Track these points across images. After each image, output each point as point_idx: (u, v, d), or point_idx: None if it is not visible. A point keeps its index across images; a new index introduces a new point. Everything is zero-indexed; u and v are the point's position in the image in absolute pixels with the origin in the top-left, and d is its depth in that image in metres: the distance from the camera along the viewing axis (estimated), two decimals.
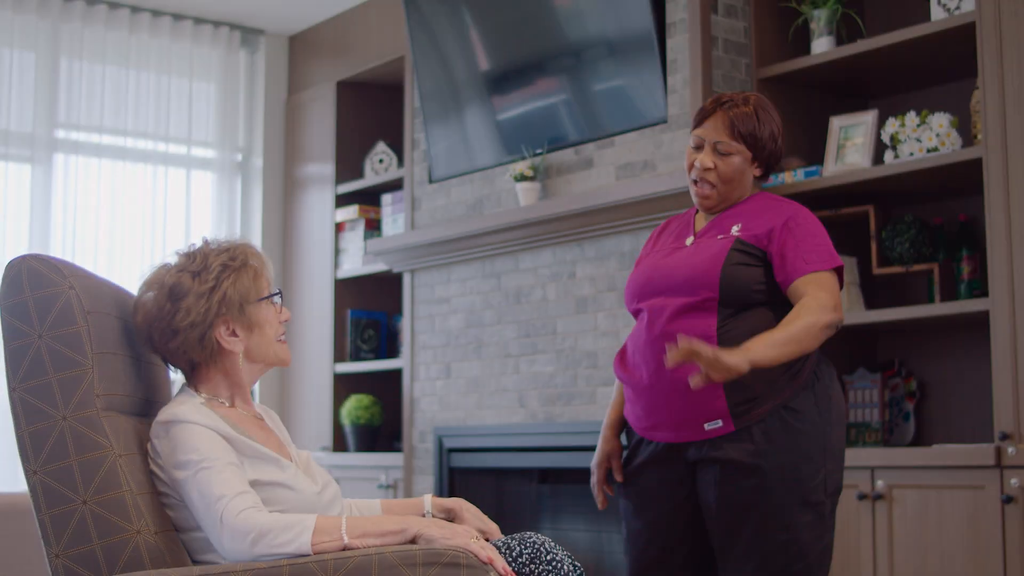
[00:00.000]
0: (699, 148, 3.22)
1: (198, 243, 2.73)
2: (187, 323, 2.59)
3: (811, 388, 3.11)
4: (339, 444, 6.90)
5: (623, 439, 3.37)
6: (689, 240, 3.25)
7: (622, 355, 3.27)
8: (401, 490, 6.23)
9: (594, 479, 3.38)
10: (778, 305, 3.12)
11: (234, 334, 2.64)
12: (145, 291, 2.65)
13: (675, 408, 3.09)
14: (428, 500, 2.89)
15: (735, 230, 3.16)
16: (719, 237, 3.18)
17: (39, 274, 2.46)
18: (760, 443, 3.04)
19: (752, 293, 3.11)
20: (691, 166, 3.23)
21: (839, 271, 3.14)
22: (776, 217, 3.15)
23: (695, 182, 3.23)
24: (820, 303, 3.01)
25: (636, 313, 3.26)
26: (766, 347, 2.91)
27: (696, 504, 3.17)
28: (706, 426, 3.06)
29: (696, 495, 3.16)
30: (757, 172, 3.24)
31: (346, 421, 6.76)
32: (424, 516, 2.85)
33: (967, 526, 4.16)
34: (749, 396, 3.03)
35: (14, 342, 2.44)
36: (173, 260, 2.69)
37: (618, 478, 3.31)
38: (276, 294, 2.74)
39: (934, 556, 4.25)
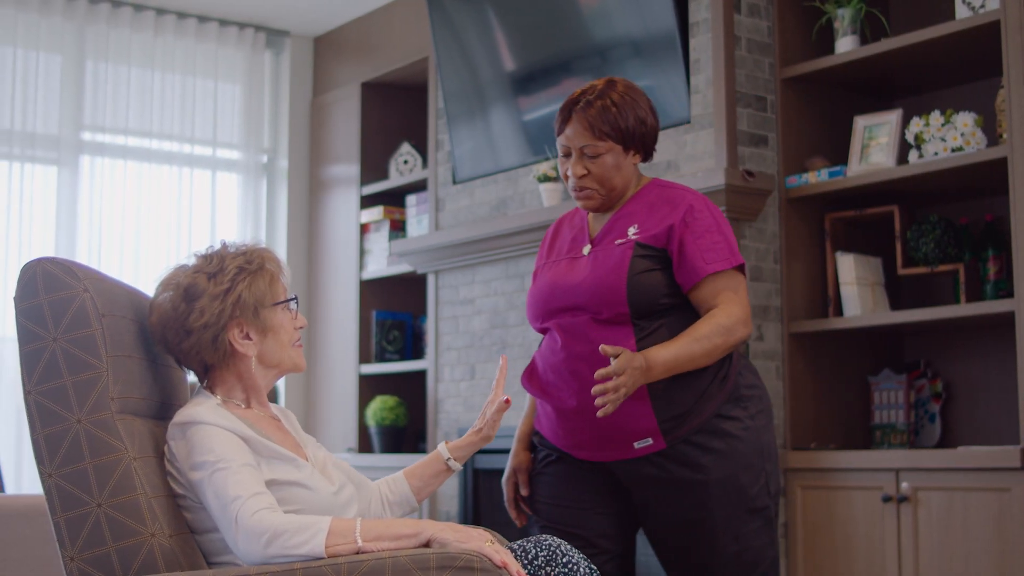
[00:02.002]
0: (568, 155, 3.07)
1: (217, 245, 2.72)
2: (200, 324, 2.58)
3: (738, 392, 3.00)
4: (364, 445, 6.91)
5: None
6: (586, 248, 3.09)
7: (532, 372, 3.13)
8: None
9: (506, 496, 3.25)
10: (692, 307, 3.01)
11: (248, 337, 2.63)
12: (161, 292, 2.65)
13: (602, 429, 2.96)
14: (443, 448, 2.91)
15: (632, 232, 3.02)
16: (617, 243, 3.02)
17: (54, 277, 2.46)
18: (696, 458, 2.93)
19: (663, 299, 2.97)
20: (566, 176, 3.09)
21: (742, 268, 3.01)
22: (673, 212, 3.01)
23: (575, 190, 3.07)
24: (733, 319, 2.92)
25: (543, 331, 3.13)
26: (667, 367, 2.85)
27: (618, 512, 3.07)
28: (636, 445, 2.94)
29: (619, 504, 3.06)
30: (636, 160, 3.09)
31: (371, 422, 6.76)
32: (447, 463, 2.90)
33: (992, 529, 4.13)
34: (679, 412, 2.93)
35: (29, 345, 2.44)
36: (191, 262, 2.69)
37: (524, 492, 3.19)
38: (292, 299, 2.73)
39: (959, 559, 4.21)
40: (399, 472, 2.95)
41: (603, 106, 3.01)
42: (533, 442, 3.23)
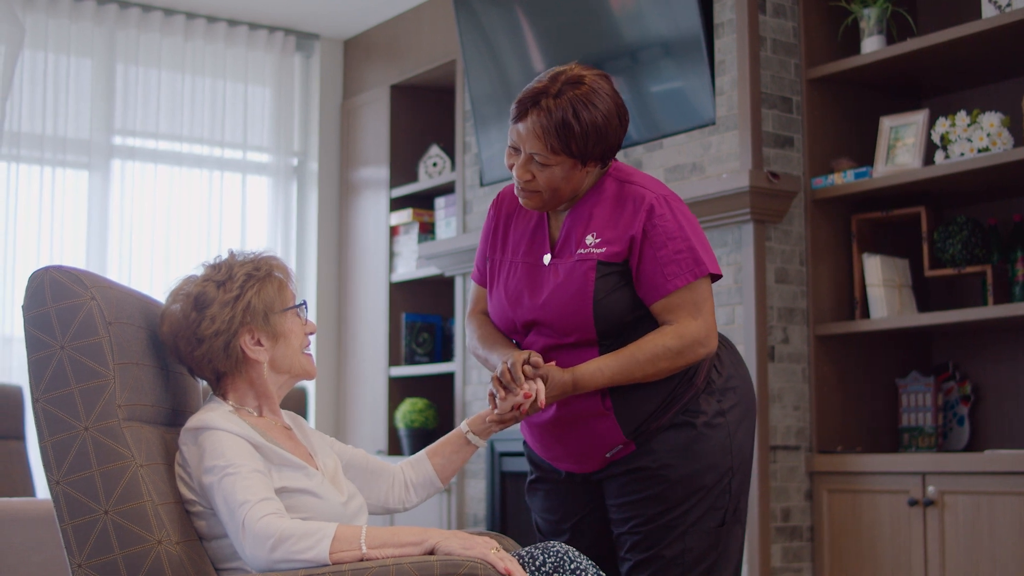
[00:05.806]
0: (517, 151, 2.82)
1: (224, 255, 2.74)
2: (212, 331, 2.60)
3: (711, 386, 2.88)
4: (394, 447, 6.91)
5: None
6: (547, 258, 2.92)
7: None
8: (454, 492, 6.22)
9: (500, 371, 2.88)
10: None
11: (259, 343, 2.64)
12: (171, 302, 2.66)
13: (573, 446, 2.90)
14: (464, 424, 2.95)
15: (591, 244, 2.84)
16: (579, 254, 2.84)
17: (61, 285, 2.47)
18: (661, 453, 2.83)
19: (629, 315, 2.84)
20: (510, 167, 2.85)
21: (712, 275, 2.82)
22: (632, 220, 2.81)
23: (519, 188, 2.86)
24: (686, 340, 2.77)
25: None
26: (599, 386, 2.77)
27: (598, 519, 3.01)
28: (607, 455, 2.87)
29: (600, 511, 3.00)
30: (592, 168, 2.84)
31: (401, 424, 6.77)
32: (466, 437, 2.93)
33: (1020, 533, 4.09)
34: (644, 418, 2.84)
35: (37, 353, 2.45)
36: (199, 272, 2.70)
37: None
38: (301, 305, 2.74)
39: (986, 564, 4.18)
40: (422, 452, 2.97)
41: (560, 112, 2.74)
42: (524, 453, 3.19)
